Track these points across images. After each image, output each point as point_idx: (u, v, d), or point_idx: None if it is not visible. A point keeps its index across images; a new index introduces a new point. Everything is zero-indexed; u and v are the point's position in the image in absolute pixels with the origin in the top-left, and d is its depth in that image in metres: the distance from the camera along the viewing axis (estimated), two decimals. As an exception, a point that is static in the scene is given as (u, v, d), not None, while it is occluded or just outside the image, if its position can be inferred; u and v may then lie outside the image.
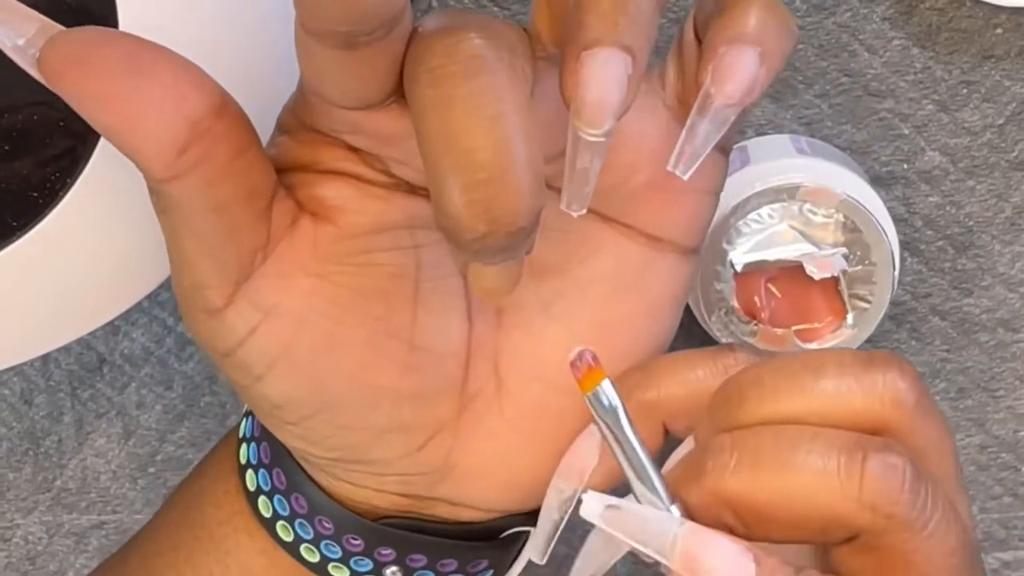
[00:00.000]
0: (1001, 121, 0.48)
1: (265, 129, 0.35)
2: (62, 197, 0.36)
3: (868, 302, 0.46)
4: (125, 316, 0.49)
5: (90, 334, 0.48)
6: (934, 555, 0.30)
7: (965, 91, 0.48)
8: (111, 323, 0.48)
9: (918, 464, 0.31)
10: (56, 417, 0.51)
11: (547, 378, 0.36)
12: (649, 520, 0.31)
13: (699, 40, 0.34)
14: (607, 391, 0.31)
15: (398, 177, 0.35)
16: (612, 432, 0.32)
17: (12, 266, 0.37)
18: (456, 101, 0.29)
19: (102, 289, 0.39)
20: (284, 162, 0.35)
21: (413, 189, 0.35)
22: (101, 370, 0.51)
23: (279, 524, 0.38)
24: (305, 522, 0.37)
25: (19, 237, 0.37)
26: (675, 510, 0.31)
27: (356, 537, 0.37)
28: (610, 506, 0.31)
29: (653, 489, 0.32)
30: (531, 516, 0.38)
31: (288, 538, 0.38)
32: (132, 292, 0.40)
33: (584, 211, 0.32)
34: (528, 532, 0.38)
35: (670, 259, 0.36)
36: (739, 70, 0.32)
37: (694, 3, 0.35)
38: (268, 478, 0.38)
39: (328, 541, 0.37)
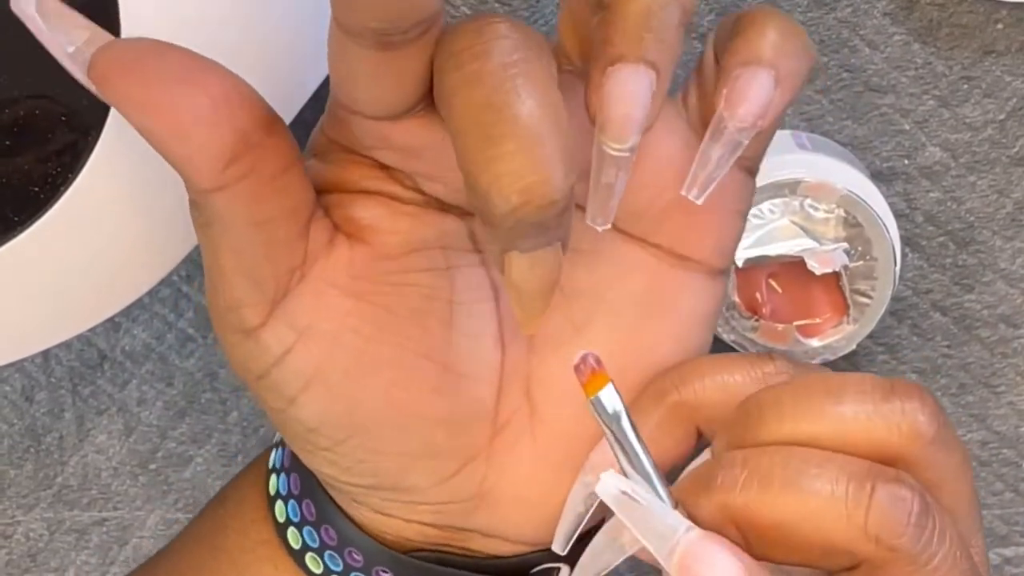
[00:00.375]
0: (1002, 117, 0.48)
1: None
2: (63, 192, 0.36)
3: (869, 298, 0.46)
4: (126, 312, 0.49)
5: (91, 330, 0.48)
6: None
7: (966, 87, 0.48)
8: (112, 319, 0.48)
9: (930, 497, 0.30)
10: (57, 414, 0.51)
11: (580, 403, 0.36)
12: (659, 516, 0.31)
13: (718, 62, 0.34)
14: (610, 396, 0.31)
15: (428, 195, 0.35)
16: (616, 437, 0.32)
17: (13, 261, 0.37)
18: (482, 77, 0.29)
19: (103, 285, 0.39)
20: (316, 184, 0.35)
21: (444, 207, 0.35)
22: (102, 366, 0.51)
23: (308, 556, 0.38)
24: (335, 554, 0.37)
25: (20, 232, 0.37)
26: (683, 516, 0.31)
27: (386, 570, 0.37)
28: (625, 492, 0.31)
29: (656, 495, 0.32)
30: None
31: (317, 570, 0.38)
32: (133, 288, 0.40)
33: (608, 225, 0.32)
34: (558, 569, 0.38)
35: (699, 279, 0.36)
36: (752, 94, 0.32)
37: (717, 25, 0.35)
38: (298, 509, 0.38)
39: (358, 573, 0.37)
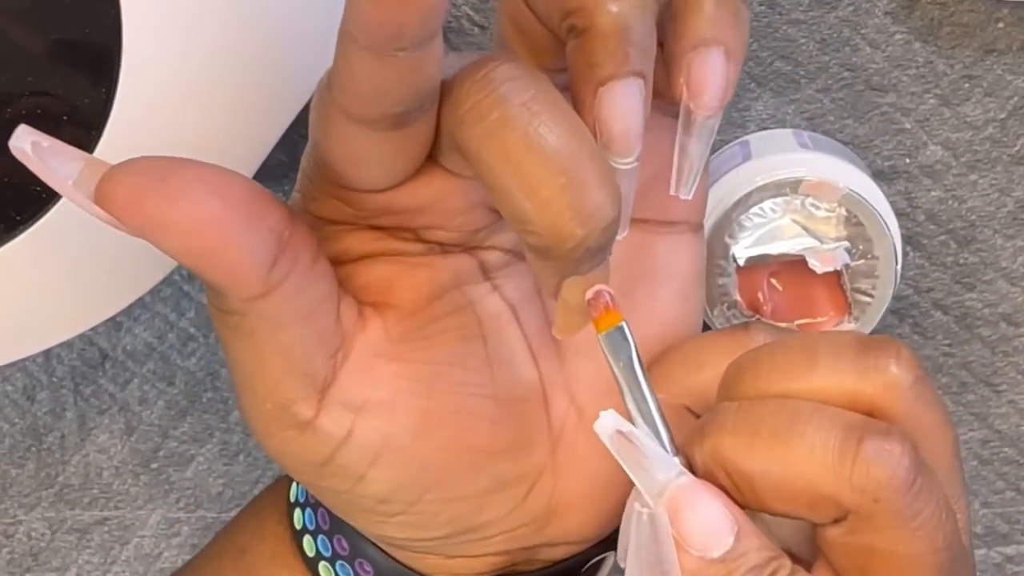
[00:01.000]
0: (1003, 115, 0.48)
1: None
2: (65, 191, 0.36)
3: (870, 296, 0.46)
4: (127, 312, 0.49)
5: (92, 330, 0.48)
6: (920, 549, 0.30)
7: (967, 85, 0.48)
8: (113, 319, 0.48)
9: (921, 455, 0.30)
10: (58, 413, 0.51)
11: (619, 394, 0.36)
12: (652, 459, 0.31)
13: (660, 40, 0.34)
14: (623, 333, 0.32)
15: (430, 241, 0.35)
16: (623, 377, 0.32)
17: (14, 260, 0.37)
18: (508, 123, 0.30)
19: (104, 284, 0.39)
20: None
21: (446, 249, 0.35)
22: (103, 366, 0.51)
23: None
24: None
25: (22, 231, 0.37)
26: (679, 461, 0.31)
27: None
28: (621, 431, 0.31)
29: (658, 437, 0.32)
30: (610, 542, 0.38)
31: None
32: (134, 288, 0.40)
33: (625, 233, 0.33)
34: (607, 556, 0.39)
35: (685, 238, 0.37)
36: (710, 78, 0.33)
37: None
38: (328, 544, 0.38)
39: None
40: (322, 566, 0.38)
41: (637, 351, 0.32)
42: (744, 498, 0.31)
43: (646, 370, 0.32)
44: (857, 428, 0.30)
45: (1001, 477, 0.52)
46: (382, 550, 0.37)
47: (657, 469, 0.31)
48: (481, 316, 0.36)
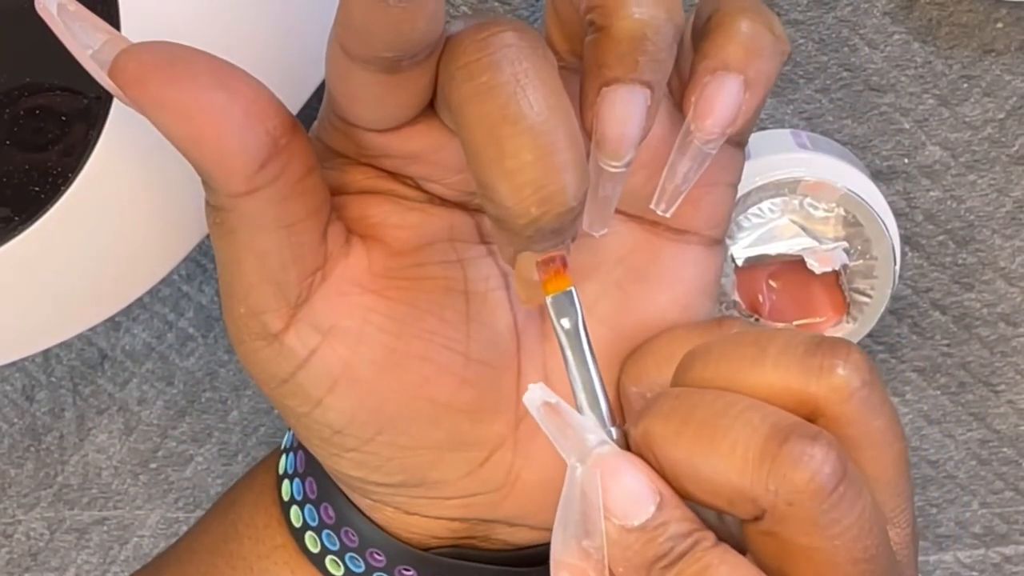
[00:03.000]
0: (1002, 116, 0.48)
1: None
2: (64, 192, 0.36)
3: (869, 296, 0.46)
4: (126, 312, 0.49)
5: (91, 330, 0.48)
6: (837, 558, 0.30)
7: (966, 85, 0.48)
8: (112, 319, 0.48)
9: (851, 465, 0.30)
10: (57, 413, 0.51)
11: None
12: (578, 429, 0.31)
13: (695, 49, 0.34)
14: (571, 298, 0.32)
15: (430, 192, 0.35)
16: (568, 343, 0.32)
17: (13, 261, 0.37)
18: (494, 89, 0.30)
19: (103, 285, 0.39)
20: None
21: (446, 203, 0.35)
22: (102, 366, 0.51)
23: (328, 559, 0.38)
24: (356, 556, 0.37)
25: (20, 232, 0.37)
26: (615, 432, 0.31)
27: (409, 568, 0.37)
28: (548, 403, 0.31)
29: (596, 406, 0.32)
30: None
31: (338, 573, 0.38)
32: (133, 288, 0.40)
33: (606, 231, 0.33)
34: None
35: (697, 250, 0.36)
36: (719, 104, 0.33)
37: (694, 10, 0.35)
38: (315, 513, 0.38)
39: (380, 573, 0.37)
40: (308, 536, 0.38)
41: (583, 318, 0.32)
42: (669, 484, 0.31)
43: (591, 340, 0.32)
44: (785, 428, 0.30)
45: (1000, 477, 0.52)
46: (368, 518, 0.37)
47: (584, 438, 0.31)
48: (469, 275, 0.36)
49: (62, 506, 0.52)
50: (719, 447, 0.30)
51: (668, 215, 0.34)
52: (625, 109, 0.31)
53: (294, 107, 0.39)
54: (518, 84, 0.30)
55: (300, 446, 0.39)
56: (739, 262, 0.46)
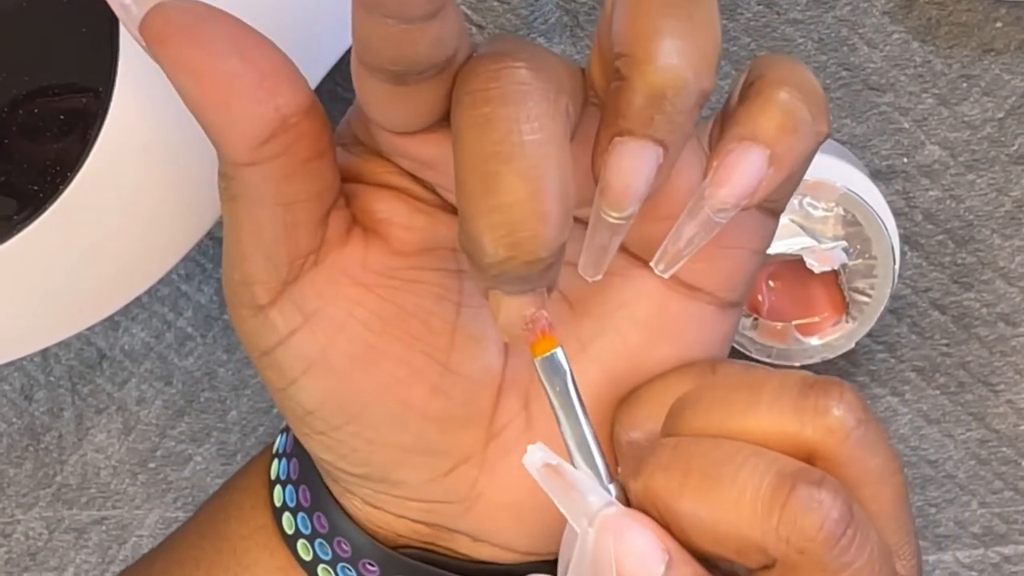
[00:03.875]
0: (1001, 115, 0.48)
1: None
2: (63, 191, 0.36)
3: (868, 296, 0.46)
4: (125, 311, 0.49)
5: (90, 329, 0.48)
6: None
7: (965, 85, 0.48)
8: (111, 318, 0.48)
9: (856, 506, 0.30)
10: (56, 413, 0.51)
11: None
12: (582, 490, 0.31)
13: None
14: (558, 359, 0.31)
15: (443, 198, 0.35)
16: (559, 404, 0.32)
17: (12, 259, 0.37)
18: (492, 123, 0.30)
19: (102, 284, 0.39)
20: (339, 170, 0.35)
21: (455, 210, 0.35)
22: (101, 365, 0.51)
23: (300, 542, 0.38)
24: (325, 543, 0.37)
25: (19, 231, 0.37)
26: (613, 489, 0.31)
27: (373, 563, 0.37)
28: (549, 464, 0.31)
29: (592, 465, 0.31)
30: (551, 565, 0.37)
31: (307, 557, 0.38)
32: (132, 287, 0.40)
33: (599, 278, 0.33)
34: None
35: (708, 310, 0.36)
36: (737, 176, 0.32)
37: (744, 73, 0.34)
38: (295, 495, 0.38)
39: (345, 564, 0.37)
40: (285, 517, 0.38)
41: (573, 378, 0.31)
42: (675, 537, 0.30)
43: (583, 399, 0.32)
44: (790, 475, 0.29)
45: (999, 477, 0.52)
46: (339, 506, 0.37)
47: (587, 499, 0.30)
48: (467, 287, 0.36)
49: (61, 506, 0.52)
50: (725, 497, 0.30)
51: (665, 276, 0.33)
52: (632, 163, 0.30)
53: (312, 81, 0.39)
54: (517, 124, 0.29)
55: (300, 480, 0.39)
56: (738, 261, 0.45)
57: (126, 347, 0.51)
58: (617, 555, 0.30)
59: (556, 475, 0.31)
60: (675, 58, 0.30)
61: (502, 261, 0.29)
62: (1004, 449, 0.52)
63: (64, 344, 0.50)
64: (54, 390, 0.51)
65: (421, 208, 0.35)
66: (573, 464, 0.32)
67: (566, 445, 0.32)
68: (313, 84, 0.39)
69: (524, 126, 0.29)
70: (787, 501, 0.29)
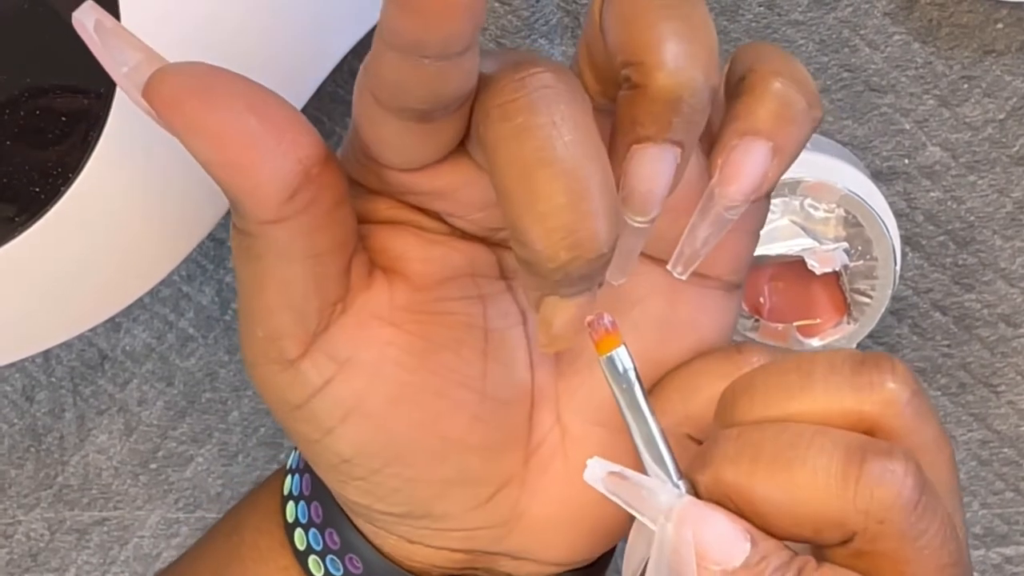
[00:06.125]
0: (1002, 116, 0.48)
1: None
2: (64, 192, 0.36)
3: (869, 297, 0.46)
4: (126, 312, 0.49)
5: (91, 330, 0.48)
6: (927, 568, 0.30)
7: (966, 86, 0.48)
8: (112, 319, 0.48)
9: (924, 473, 0.30)
10: (57, 413, 0.51)
11: (609, 423, 0.36)
12: (651, 490, 0.31)
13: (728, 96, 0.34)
14: (622, 357, 0.32)
15: (452, 226, 0.35)
16: (625, 400, 0.32)
17: (14, 261, 0.37)
18: (530, 131, 0.30)
19: (103, 285, 0.39)
20: None
21: (468, 237, 0.35)
22: (103, 366, 0.51)
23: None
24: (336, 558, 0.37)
25: (20, 232, 0.37)
26: (682, 485, 0.31)
27: None
28: (612, 473, 0.31)
29: (661, 461, 0.32)
30: (584, 571, 0.37)
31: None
32: (133, 288, 0.40)
33: (624, 280, 0.33)
34: None
35: (716, 295, 0.36)
36: (745, 171, 0.32)
37: (730, 58, 0.35)
38: (320, 538, 0.38)
39: None
40: (312, 560, 0.38)
41: (638, 374, 0.32)
42: (750, 523, 0.31)
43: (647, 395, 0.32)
44: (859, 449, 0.30)
45: (1000, 478, 0.52)
46: (373, 546, 0.37)
47: (658, 497, 0.31)
48: (489, 311, 0.35)
49: (62, 507, 0.52)
50: (798, 479, 0.30)
51: (684, 277, 0.34)
52: (655, 168, 0.31)
53: (315, 81, 0.39)
54: (554, 127, 0.30)
55: (307, 468, 0.38)
56: (739, 263, 0.46)
57: (127, 348, 0.51)
58: (699, 543, 0.30)
59: (622, 481, 0.31)
60: (685, 61, 0.30)
61: (566, 263, 0.30)
62: (1005, 450, 0.52)
63: (66, 345, 0.50)
64: (56, 391, 0.51)
65: (434, 239, 0.35)
66: (641, 461, 0.32)
67: (633, 442, 0.32)
68: (315, 86, 0.39)
69: (561, 128, 0.30)
70: (860, 474, 0.30)
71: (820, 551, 0.31)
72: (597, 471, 0.31)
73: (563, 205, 0.29)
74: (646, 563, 0.31)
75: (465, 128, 0.32)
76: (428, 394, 0.35)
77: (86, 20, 0.32)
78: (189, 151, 0.31)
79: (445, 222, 0.35)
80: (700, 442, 0.35)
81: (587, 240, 0.30)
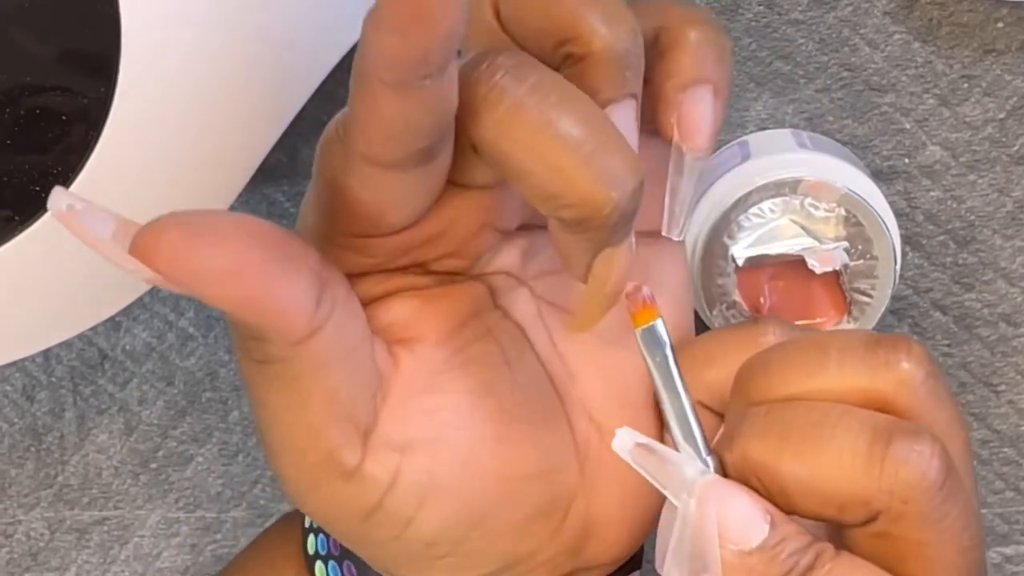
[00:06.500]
0: (1002, 115, 0.48)
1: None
2: (64, 192, 0.36)
3: (870, 296, 0.46)
4: (126, 312, 0.49)
5: (91, 330, 0.48)
6: (947, 550, 0.30)
7: (966, 85, 0.48)
8: (112, 319, 0.48)
9: (949, 456, 0.30)
10: (58, 413, 0.51)
11: (633, 400, 0.36)
12: (676, 465, 0.31)
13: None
14: (659, 330, 0.32)
15: (439, 272, 0.35)
16: (659, 372, 0.32)
17: (13, 261, 0.37)
18: (520, 108, 0.30)
19: (104, 284, 0.39)
20: None
21: (455, 279, 0.35)
22: (103, 366, 0.51)
23: None
24: None
25: (20, 231, 0.37)
26: (711, 461, 0.32)
27: None
28: (640, 444, 0.31)
29: (690, 436, 0.32)
30: (634, 562, 0.38)
31: None
32: (133, 288, 0.40)
33: (683, 237, 0.34)
34: None
35: (671, 245, 0.37)
36: (702, 121, 0.34)
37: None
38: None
39: None
40: None
41: (672, 348, 0.32)
42: (775, 501, 0.31)
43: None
44: (886, 429, 0.30)
45: (1000, 477, 0.52)
46: None
47: (683, 472, 0.31)
48: (502, 342, 0.35)
49: (62, 506, 0.52)
50: (825, 457, 0.30)
51: (681, 238, 0.35)
52: (622, 126, 0.32)
53: (289, 117, 0.39)
54: (540, 94, 0.30)
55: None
56: (740, 262, 0.45)
57: (128, 347, 0.51)
58: (720, 521, 0.30)
59: (649, 453, 0.31)
60: (614, 19, 0.32)
61: (618, 202, 0.30)
62: (1005, 449, 0.52)
63: (66, 344, 0.50)
64: (56, 390, 0.51)
65: (431, 294, 0.34)
66: (671, 435, 0.32)
67: (664, 417, 0.32)
68: (316, 84, 0.39)
69: (544, 91, 0.30)
70: (886, 454, 0.30)
71: (840, 538, 0.32)
72: (626, 441, 0.31)
73: (588, 154, 0.30)
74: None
75: (450, 161, 0.32)
76: (491, 443, 0.34)
77: (60, 205, 0.30)
78: (202, 298, 0.30)
79: (429, 272, 0.34)
80: (714, 411, 0.35)
81: (627, 173, 0.30)
